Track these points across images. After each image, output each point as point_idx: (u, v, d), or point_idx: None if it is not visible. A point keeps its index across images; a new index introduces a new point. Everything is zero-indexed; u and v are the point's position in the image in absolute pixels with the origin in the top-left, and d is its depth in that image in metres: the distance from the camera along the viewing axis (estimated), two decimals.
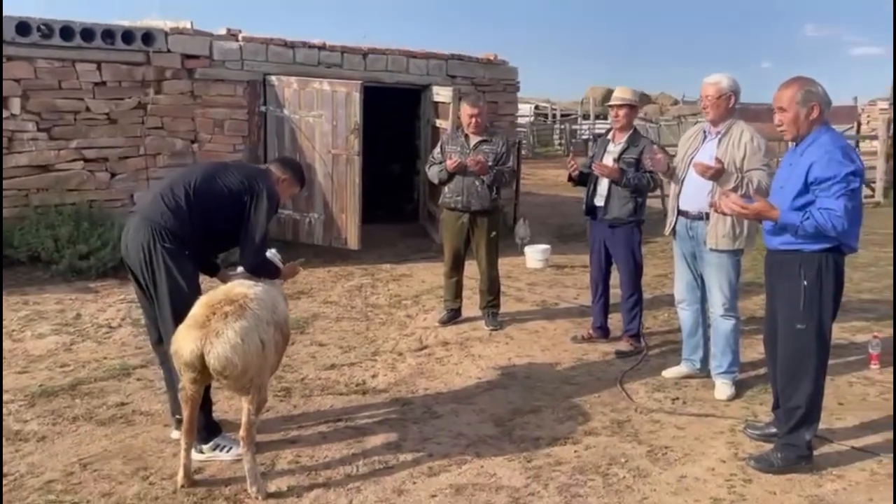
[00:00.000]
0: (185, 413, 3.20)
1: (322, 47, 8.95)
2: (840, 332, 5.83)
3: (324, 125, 8.35)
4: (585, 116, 29.84)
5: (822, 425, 3.99)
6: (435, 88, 9.38)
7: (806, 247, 3.37)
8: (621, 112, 5.18)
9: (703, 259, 4.48)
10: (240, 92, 8.44)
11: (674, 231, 4.65)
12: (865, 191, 14.53)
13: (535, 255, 8.38)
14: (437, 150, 5.91)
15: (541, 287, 7.36)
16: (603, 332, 5.51)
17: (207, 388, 3.40)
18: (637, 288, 5.32)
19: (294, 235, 8.74)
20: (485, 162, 5.58)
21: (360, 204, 8.44)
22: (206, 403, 3.47)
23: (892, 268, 8.04)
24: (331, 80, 8.41)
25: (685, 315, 4.70)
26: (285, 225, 8.74)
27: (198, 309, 3.14)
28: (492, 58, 10.49)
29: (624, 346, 5.27)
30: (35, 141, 7.41)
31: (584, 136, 26.39)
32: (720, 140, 4.35)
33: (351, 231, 8.49)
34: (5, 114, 7.19)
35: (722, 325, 4.50)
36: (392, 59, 9.46)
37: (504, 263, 8.58)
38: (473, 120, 5.70)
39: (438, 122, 9.26)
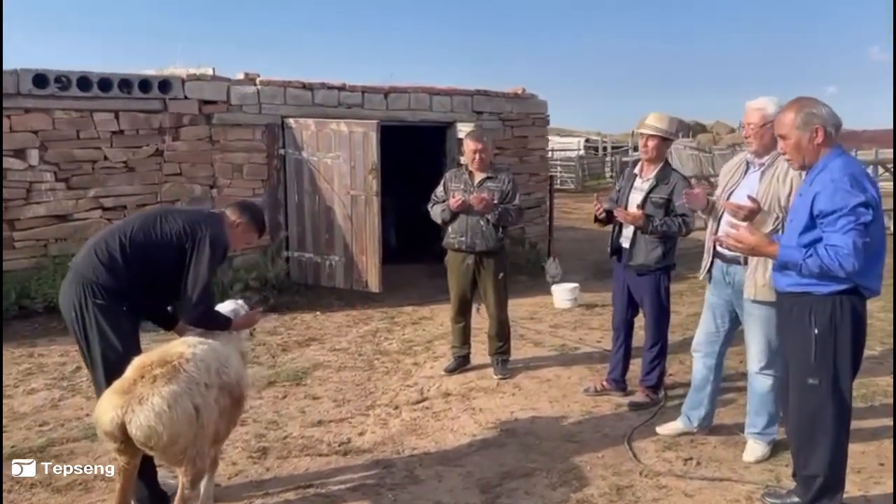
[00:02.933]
0: (118, 485, 2.93)
1: (342, 88, 8.84)
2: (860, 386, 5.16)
3: (342, 166, 8.18)
4: (636, 148, 29.33)
5: (857, 491, 3.51)
6: (459, 125, 9.17)
7: (816, 289, 2.92)
8: (651, 143, 4.67)
9: (743, 309, 3.90)
10: (258, 136, 8.35)
11: (710, 274, 4.15)
12: None
13: (562, 294, 7.97)
14: (440, 188, 5.62)
15: (564, 329, 6.94)
16: (618, 385, 5.03)
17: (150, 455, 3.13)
18: (661, 337, 4.84)
19: (315, 279, 8.55)
20: (489, 199, 5.26)
21: (380, 245, 8.20)
22: (149, 471, 3.20)
23: None
24: (347, 120, 8.25)
25: (698, 365, 4.23)
26: (307, 268, 8.56)
27: (128, 371, 2.90)
28: (519, 91, 10.24)
29: (640, 396, 4.81)
30: (53, 191, 7.43)
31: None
32: (763, 173, 3.80)
33: (371, 273, 8.25)
34: (23, 165, 7.23)
35: (757, 383, 3.94)
36: (415, 97, 9.28)
37: (531, 304, 8.25)
38: (477, 156, 5.40)
39: (463, 160, 9.00)
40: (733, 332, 4.10)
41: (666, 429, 4.30)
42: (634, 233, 4.70)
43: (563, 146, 30.28)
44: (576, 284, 8.15)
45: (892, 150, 18.92)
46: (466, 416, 4.68)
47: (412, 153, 10.21)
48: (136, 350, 3.20)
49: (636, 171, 4.88)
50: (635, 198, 4.73)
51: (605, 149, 31.33)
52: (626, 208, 4.70)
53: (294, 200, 8.52)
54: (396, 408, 4.87)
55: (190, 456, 2.87)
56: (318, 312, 7.78)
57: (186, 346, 3.05)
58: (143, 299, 3.34)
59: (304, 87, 8.61)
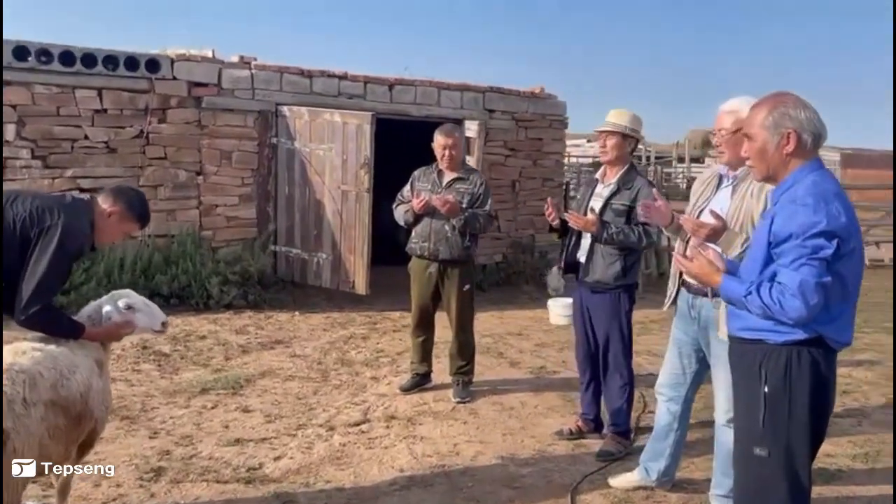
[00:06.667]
0: None
1: (343, 77, 8.37)
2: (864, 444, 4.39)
3: (334, 159, 7.71)
4: (681, 159, 28.26)
5: None
6: (467, 123, 8.60)
7: (770, 337, 2.29)
8: (609, 142, 4.09)
9: (711, 351, 3.28)
10: (250, 122, 7.93)
11: (675, 305, 3.54)
12: None
13: (558, 309, 7.36)
14: (407, 187, 5.08)
15: (549, 349, 6.32)
16: (598, 424, 4.38)
17: None
18: (625, 368, 4.21)
19: (302, 277, 8.10)
20: (455, 202, 4.71)
21: (370, 245, 7.69)
22: None
23: None
24: (342, 111, 7.77)
25: (660, 410, 3.58)
26: (294, 265, 8.11)
27: None
28: (537, 91, 9.63)
29: (610, 445, 4.13)
30: (28, 169, 7.12)
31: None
32: (735, 187, 3.22)
33: (359, 274, 7.74)
34: None
35: (724, 437, 3.23)
36: (422, 91, 8.76)
37: (526, 317, 7.67)
38: (447, 153, 4.86)
39: (468, 159, 8.46)
40: (703, 375, 3.46)
41: (619, 481, 3.66)
42: (592, 244, 4.11)
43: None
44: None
45: None
46: (403, 446, 4.12)
47: (420, 150, 9.67)
48: None
49: (597, 175, 4.30)
50: (595, 205, 4.14)
51: (647, 158, 30.32)
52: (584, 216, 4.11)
53: (284, 192, 8.08)
54: (331, 429, 4.34)
55: None
56: (296, 313, 7.33)
57: (12, 353, 2.58)
58: None
59: (302, 73, 8.15)
